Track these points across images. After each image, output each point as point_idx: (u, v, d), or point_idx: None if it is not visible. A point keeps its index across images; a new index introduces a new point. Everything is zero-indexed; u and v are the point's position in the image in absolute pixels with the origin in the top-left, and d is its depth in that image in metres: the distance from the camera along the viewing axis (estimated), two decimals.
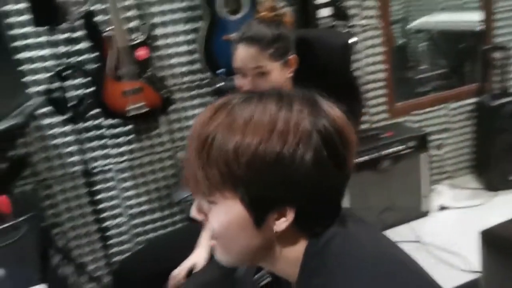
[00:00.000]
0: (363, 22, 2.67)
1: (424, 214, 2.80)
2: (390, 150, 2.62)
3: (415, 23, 4.36)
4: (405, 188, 2.72)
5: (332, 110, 0.74)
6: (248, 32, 1.46)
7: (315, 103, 0.73)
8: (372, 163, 2.59)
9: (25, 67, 2.18)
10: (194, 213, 0.80)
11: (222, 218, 0.75)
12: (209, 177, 0.72)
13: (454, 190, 3.08)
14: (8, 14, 2.10)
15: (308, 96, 0.75)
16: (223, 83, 1.91)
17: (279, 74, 1.48)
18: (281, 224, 0.73)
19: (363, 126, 2.88)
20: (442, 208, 2.85)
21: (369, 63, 2.80)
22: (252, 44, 1.44)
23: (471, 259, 2.29)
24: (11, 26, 2.12)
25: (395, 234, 2.66)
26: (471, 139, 3.16)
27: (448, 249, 2.44)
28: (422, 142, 2.71)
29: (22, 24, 2.12)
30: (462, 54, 3.76)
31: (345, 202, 2.43)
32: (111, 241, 2.48)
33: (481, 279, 1.93)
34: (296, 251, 0.76)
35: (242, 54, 1.46)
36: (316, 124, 0.70)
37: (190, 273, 1.50)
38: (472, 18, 3.51)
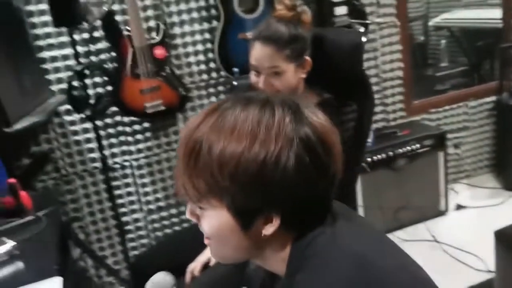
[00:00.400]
0: (380, 20, 2.66)
1: (441, 213, 2.79)
2: (406, 148, 2.61)
3: (436, 20, 4.31)
4: (422, 187, 2.71)
5: (315, 117, 0.75)
6: (266, 31, 1.46)
7: (297, 110, 0.75)
8: (388, 161, 2.59)
9: (48, 65, 2.24)
10: (188, 215, 0.83)
11: (212, 223, 0.78)
12: (195, 186, 0.74)
13: (472, 189, 3.05)
14: (31, 13, 2.17)
15: (290, 103, 0.76)
16: (237, 82, 1.94)
17: (293, 75, 1.48)
18: (269, 228, 0.75)
19: (380, 125, 2.87)
20: (459, 207, 2.83)
21: (386, 61, 2.79)
22: (269, 43, 1.44)
23: (487, 259, 2.28)
24: (34, 25, 2.18)
25: (410, 233, 2.66)
26: (490, 138, 3.12)
27: (464, 248, 2.42)
28: (439, 141, 2.69)
29: (44, 24, 2.19)
30: (483, 52, 3.71)
31: (359, 201, 2.43)
32: (129, 236, 2.54)
33: (495, 279, 1.92)
34: (285, 250, 0.78)
35: (258, 52, 1.47)
36: (298, 131, 0.72)
37: (205, 267, 1.53)
38: (494, 15, 3.46)
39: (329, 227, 0.77)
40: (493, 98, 3.06)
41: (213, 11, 2.40)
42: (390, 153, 2.58)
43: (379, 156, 2.56)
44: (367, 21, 2.52)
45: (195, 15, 2.39)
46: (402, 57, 2.81)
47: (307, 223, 0.77)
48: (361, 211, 2.57)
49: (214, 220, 0.77)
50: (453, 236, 2.55)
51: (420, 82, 3.83)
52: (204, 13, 2.40)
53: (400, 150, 2.59)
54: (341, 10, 2.46)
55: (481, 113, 3.08)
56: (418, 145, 2.63)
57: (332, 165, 0.75)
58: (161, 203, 2.58)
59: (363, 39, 1.40)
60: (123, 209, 2.50)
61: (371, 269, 0.70)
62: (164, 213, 2.59)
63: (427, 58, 4.53)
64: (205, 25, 2.41)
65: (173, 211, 2.60)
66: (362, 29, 2.43)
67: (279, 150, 0.70)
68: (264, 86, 1.48)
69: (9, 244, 1.29)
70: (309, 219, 0.77)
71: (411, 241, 2.57)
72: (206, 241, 0.83)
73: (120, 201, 2.48)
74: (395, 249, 0.80)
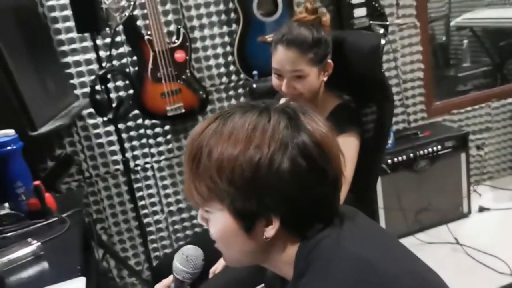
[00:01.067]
0: (400, 21, 2.65)
1: (463, 215, 2.75)
2: (428, 150, 2.58)
3: (458, 20, 4.25)
4: (444, 188, 2.67)
5: (314, 123, 0.77)
6: (289, 34, 1.45)
7: (294, 117, 0.77)
8: (409, 163, 2.57)
9: (72, 70, 2.30)
10: (199, 220, 0.86)
11: (217, 226, 0.81)
12: (199, 191, 0.78)
13: (495, 191, 3.00)
14: (55, 20, 2.22)
15: (288, 111, 0.78)
16: (256, 85, 1.95)
17: (316, 78, 1.49)
18: (270, 231, 0.77)
19: (400, 126, 2.85)
20: (482, 209, 2.79)
21: (406, 62, 2.77)
22: (293, 47, 1.44)
23: (511, 262, 2.25)
24: (59, 31, 2.24)
25: (432, 235, 2.63)
26: None
27: (487, 251, 2.38)
28: (462, 142, 2.66)
29: (68, 30, 2.24)
30: (506, 51, 3.65)
31: (380, 202, 2.41)
32: (151, 237, 2.57)
33: None
34: (290, 253, 0.80)
35: (282, 56, 1.46)
36: (293, 136, 0.74)
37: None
38: None
39: (335, 230, 0.78)
40: None
41: (232, 15, 2.42)
42: (411, 155, 2.55)
43: (399, 158, 2.54)
44: (387, 23, 2.50)
45: (214, 18, 2.41)
46: (422, 58, 2.79)
47: (310, 226, 0.78)
48: (381, 213, 2.55)
49: (218, 223, 0.80)
50: (476, 238, 2.51)
51: (442, 82, 3.79)
52: (223, 17, 2.42)
53: (421, 152, 2.57)
54: (360, 12, 2.46)
55: (504, 114, 3.03)
56: (439, 147, 2.60)
57: (331, 170, 0.77)
58: (182, 205, 2.61)
59: (383, 41, 1.39)
60: (145, 211, 2.54)
61: (374, 273, 0.71)
62: (185, 215, 2.62)
63: (449, 59, 4.47)
64: (225, 29, 2.44)
65: (194, 212, 2.62)
66: (381, 31, 2.42)
67: (273, 153, 0.73)
68: (286, 89, 1.49)
69: (34, 244, 1.33)
70: (311, 222, 0.78)
71: (433, 243, 2.54)
72: (216, 245, 0.86)
73: (141, 203, 2.52)
74: (403, 254, 0.80)
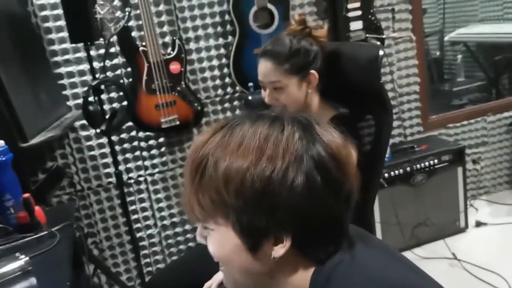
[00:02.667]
0: (396, 34, 2.64)
1: (460, 230, 2.73)
2: (424, 163, 2.56)
3: (452, 35, 4.28)
4: (441, 203, 2.65)
5: (329, 135, 0.72)
6: (268, 46, 1.49)
7: (308, 128, 0.72)
8: (406, 177, 2.55)
9: (65, 81, 2.26)
10: (198, 238, 0.81)
11: (217, 244, 0.75)
12: (201, 204, 0.72)
13: (491, 206, 2.98)
14: (49, 30, 2.19)
15: (301, 120, 0.73)
16: (251, 97, 1.93)
17: (297, 89, 1.48)
18: (279, 250, 0.71)
19: (397, 140, 2.83)
20: (479, 224, 2.76)
21: (402, 76, 2.77)
22: (269, 58, 1.47)
23: (510, 277, 2.21)
24: (52, 41, 2.21)
25: (429, 250, 2.60)
26: (509, 154, 3.06)
27: (485, 266, 2.35)
28: (458, 156, 2.64)
29: (61, 40, 2.22)
30: (500, 66, 3.67)
31: (376, 217, 2.37)
32: (143, 252, 2.52)
33: None
34: (301, 278, 0.74)
35: (261, 68, 1.50)
36: (308, 148, 0.69)
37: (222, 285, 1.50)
38: (511, 29, 3.42)
39: (347, 254, 0.73)
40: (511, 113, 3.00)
41: (228, 27, 2.41)
42: (408, 169, 2.53)
43: (396, 172, 2.52)
44: (383, 36, 2.51)
45: (210, 30, 2.40)
46: (418, 72, 2.79)
47: (322, 248, 0.73)
48: (378, 228, 2.52)
49: (220, 240, 0.74)
50: (473, 254, 2.48)
51: (437, 97, 3.80)
52: (219, 29, 2.40)
53: (418, 166, 2.55)
54: (356, 25, 2.46)
55: (500, 128, 3.02)
56: (436, 160, 2.58)
57: (346, 185, 0.72)
58: (176, 219, 2.56)
59: (381, 52, 1.37)
60: (137, 225, 2.49)
61: None
62: (178, 229, 2.57)
63: (443, 73, 4.49)
64: (221, 41, 2.42)
65: (188, 227, 2.58)
66: (378, 44, 2.42)
67: (287, 167, 0.67)
68: (269, 101, 1.52)
69: (22, 259, 1.28)
70: (324, 242, 0.73)
71: (431, 258, 2.51)
72: (221, 268, 0.80)
73: (134, 216, 2.47)
74: (419, 273, 0.76)
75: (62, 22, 2.18)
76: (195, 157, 0.72)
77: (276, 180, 0.67)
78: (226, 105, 2.50)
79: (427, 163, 2.57)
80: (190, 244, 2.60)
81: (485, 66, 4.01)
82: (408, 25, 2.70)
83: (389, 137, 1.49)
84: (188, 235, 2.59)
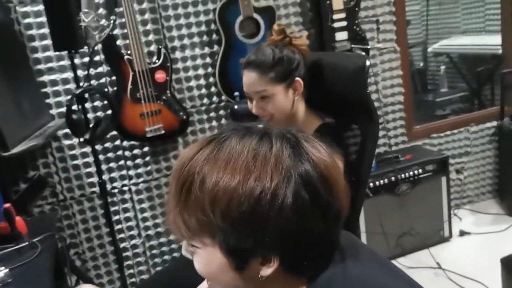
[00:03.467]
0: (380, 45, 2.67)
1: (444, 239, 2.74)
2: (409, 173, 2.58)
3: (435, 47, 4.35)
4: (425, 212, 2.66)
5: (317, 152, 0.71)
6: (251, 57, 1.50)
7: (297, 145, 0.70)
8: (391, 186, 2.56)
9: (48, 89, 2.23)
10: (183, 252, 0.79)
11: (203, 262, 0.73)
12: (187, 224, 0.70)
13: (475, 215, 3.01)
14: (32, 38, 2.17)
15: (290, 136, 0.71)
16: (237, 106, 1.93)
17: (283, 97, 1.49)
18: (267, 269, 0.70)
19: (382, 149, 2.85)
20: (463, 233, 2.78)
21: (387, 86, 2.79)
22: (253, 69, 1.47)
23: (493, 287, 2.23)
24: (35, 49, 2.18)
25: (414, 259, 2.61)
26: (492, 163, 3.10)
27: (469, 275, 2.37)
28: (442, 166, 2.66)
29: (45, 48, 2.19)
30: (482, 77, 3.73)
31: (361, 226, 2.37)
32: (127, 263, 2.48)
33: None
34: None
35: (246, 79, 1.51)
36: (296, 167, 0.67)
37: None
38: (493, 41, 3.48)
39: (339, 267, 0.72)
40: (494, 123, 3.04)
41: (214, 36, 2.41)
42: (393, 178, 2.55)
43: (381, 181, 2.53)
44: (368, 46, 2.53)
45: (196, 39, 2.39)
46: (402, 82, 2.81)
47: (312, 265, 0.72)
48: (363, 237, 2.52)
49: (205, 259, 0.72)
50: (457, 263, 2.49)
51: (421, 107, 3.84)
52: (205, 38, 2.40)
53: (403, 175, 2.56)
54: (342, 36, 2.48)
55: (483, 138, 3.06)
56: (420, 170, 2.60)
57: (335, 203, 0.70)
58: (160, 229, 2.53)
59: (368, 62, 1.38)
60: (121, 235, 2.46)
61: None
62: (163, 239, 2.54)
63: (427, 84, 4.55)
64: (206, 50, 2.42)
65: (172, 237, 2.55)
66: (364, 54, 2.44)
67: (275, 186, 0.65)
68: (256, 111, 1.51)
69: (2, 271, 1.25)
70: (314, 260, 0.71)
71: (415, 268, 2.51)
72: (207, 283, 0.79)
73: (118, 227, 2.44)
74: (411, 283, 0.75)
75: (45, 30, 2.15)
76: (180, 174, 0.70)
77: (264, 201, 0.65)
78: (212, 114, 2.49)
79: (411, 173, 2.59)
80: (175, 254, 2.57)
81: (467, 77, 4.07)
82: (392, 36, 2.73)
83: (375, 147, 1.49)
84: (173, 245, 2.56)
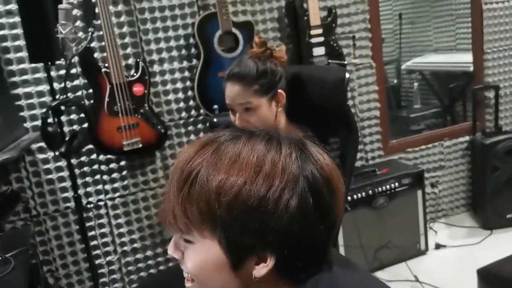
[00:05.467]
0: (357, 61, 2.72)
1: (421, 252, 2.77)
2: (386, 187, 2.61)
3: (408, 64, 4.45)
4: (402, 225, 2.69)
5: (321, 156, 0.72)
6: (234, 69, 1.51)
7: (304, 148, 0.72)
8: (368, 200, 2.58)
9: (23, 102, 2.19)
10: (170, 251, 0.77)
11: (198, 259, 0.72)
12: (187, 214, 0.69)
13: (450, 228, 3.05)
14: (7, 50, 2.13)
15: (297, 140, 0.73)
16: (217, 119, 1.92)
17: (267, 109, 1.50)
18: (261, 269, 0.70)
19: (358, 163, 2.88)
20: (439, 246, 2.82)
21: (363, 101, 2.83)
22: (237, 81, 1.48)
23: None
24: (10, 61, 2.14)
25: (392, 273, 2.62)
26: (465, 177, 3.16)
27: None
28: (418, 179, 2.70)
29: (20, 60, 2.15)
30: (454, 94, 3.82)
31: (340, 240, 2.38)
32: (102, 280, 2.42)
33: None
34: None
35: (229, 91, 1.51)
36: (303, 169, 0.69)
37: None
38: (463, 59, 3.59)
39: (326, 272, 0.73)
40: (467, 138, 3.12)
41: (193, 50, 2.41)
42: (370, 192, 2.57)
43: (359, 195, 2.55)
44: (345, 62, 2.57)
45: (174, 53, 2.39)
46: (378, 97, 2.86)
47: (305, 268, 0.72)
48: (342, 251, 2.52)
49: (200, 255, 0.71)
50: (434, 275, 2.52)
51: (395, 123, 3.91)
52: (183, 52, 2.40)
53: (380, 189, 2.59)
54: (319, 51, 2.51)
55: (456, 153, 3.13)
56: (397, 184, 2.63)
57: (334, 209, 0.72)
58: (137, 245, 2.48)
59: (347, 74, 1.41)
60: (96, 251, 2.40)
61: None
62: (139, 255, 2.49)
63: (400, 100, 4.64)
64: (185, 63, 2.41)
65: (149, 253, 2.50)
66: (343, 67, 2.47)
67: (283, 187, 0.67)
68: (240, 124, 1.52)
69: None
70: (307, 264, 0.72)
71: (393, 281, 2.53)
72: (187, 284, 0.77)
73: (93, 243, 2.38)
74: None
75: (21, 42, 2.12)
76: (184, 166, 0.70)
77: (272, 199, 0.66)
78: (190, 128, 2.48)
79: (388, 186, 2.62)
80: (152, 270, 2.52)
81: (440, 94, 4.17)
82: (368, 52, 2.78)
83: (355, 159, 1.51)
84: (150, 261, 2.51)
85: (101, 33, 2.13)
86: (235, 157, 0.68)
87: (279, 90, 1.49)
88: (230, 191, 0.66)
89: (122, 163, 2.39)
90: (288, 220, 0.67)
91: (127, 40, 2.30)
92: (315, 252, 0.72)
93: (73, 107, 2.24)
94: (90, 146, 2.27)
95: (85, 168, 2.33)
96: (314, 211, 0.68)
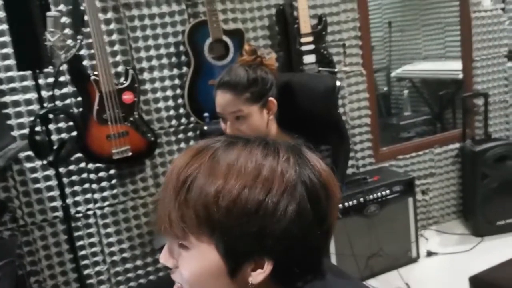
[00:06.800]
0: (347, 68, 2.72)
1: (412, 260, 2.76)
2: (377, 194, 2.61)
3: (398, 71, 4.47)
4: (393, 233, 2.69)
5: (318, 162, 0.73)
6: (225, 78, 1.50)
7: (301, 154, 0.72)
8: (359, 207, 2.57)
9: (10, 110, 2.16)
10: (163, 259, 0.75)
11: (194, 265, 0.71)
12: (184, 219, 0.68)
13: (441, 236, 3.05)
14: None
15: (294, 146, 0.73)
16: (207, 127, 1.91)
17: (259, 117, 1.49)
18: (257, 276, 0.69)
19: (349, 171, 2.87)
20: (430, 254, 2.82)
21: (354, 109, 2.83)
22: (228, 89, 1.47)
23: None
24: None
25: (384, 281, 2.61)
26: (456, 184, 3.17)
27: None
28: (409, 187, 2.70)
29: (7, 68, 2.13)
30: (444, 101, 3.85)
31: (331, 248, 2.37)
32: None
33: None
34: None
35: (220, 99, 1.50)
36: (301, 174, 0.69)
37: None
38: (452, 66, 3.62)
39: (320, 280, 0.73)
40: (457, 145, 3.13)
41: (183, 57, 2.40)
42: (361, 199, 2.56)
43: (350, 202, 2.54)
44: (335, 70, 2.57)
45: (164, 61, 2.37)
46: (369, 105, 2.87)
47: (299, 275, 0.72)
48: (333, 259, 2.51)
49: (196, 262, 0.70)
50: (426, 283, 2.52)
51: (385, 130, 3.91)
52: (174, 59, 2.39)
53: (371, 196, 2.58)
54: (309, 59, 2.51)
55: (447, 160, 3.14)
56: (388, 191, 2.63)
57: (330, 215, 0.72)
58: (126, 254, 2.45)
59: (338, 82, 1.40)
60: (85, 262, 2.36)
61: None
62: (129, 265, 2.46)
63: (390, 108, 4.66)
64: (175, 71, 2.40)
65: (139, 262, 2.47)
66: (334, 75, 2.47)
67: (282, 191, 0.67)
68: (231, 132, 1.51)
69: None
70: (303, 270, 0.72)
71: None
72: None
73: (82, 252, 2.35)
74: None
75: (8, 50, 2.10)
76: (181, 172, 0.69)
77: (270, 203, 0.66)
78: (180, 136, 2.46)
79: (379, 194, 2.61)
80: (141, 281, 2.48)
81: (429, 101, 4.20)
82: (358, 60, 2.79)
83: (347, 167, 1.50)
84: (140, 271, 2.48)
85: (90, 40, 2.11)
86: (233, 163, 0.68)
87: (270, 98, 1.48)
88: (229, 195, 0.66)
89: (112, 171, 2.36)
90: (286, 225, 0.66)
91: (116, 47, 2.29)
92: (311, 258, 0.72)
93: (62, 115, 2.21)
94: (79, 154, 2.24)
95: (74, 177, 2.30)
96: (312, 217, 0.69)
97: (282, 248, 0.68)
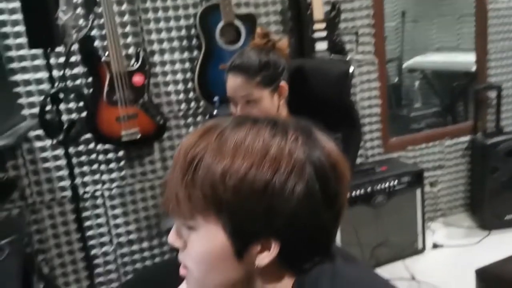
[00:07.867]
0: (359, 57, 2.70)
1: (418, 251, 2.76)
2: (385, 185, 2.59)
3: (409, 63, 4.43)
4: (400, 224, 2.68)
5: (327, 143, 0.72)
6: (236, 61, 1.49)
7: (310, 134, 0.71)
8: (366, 197, 2.56)
9: (21, 89, 2.16)
10: (171, 239, 0.75)
11: (201, 246, 0.70)
12: (191, 199, 0.68)
13: (448, 228, 3.04)
14: (6, 35, 2.10)
15: (303, 126, 0.72)
16: (217, 111, 1.90)
17: (270, 101, 1.48)
18: (264, 258, 0.69)
19: (358, 160, 2.86)
20: (436, 246, 2.81)
21: (364, 98, 2.81)
22: (240, 73, 1.46)
23: None
24: (8, 47, 2.11)
25: (389, 271, 2.60)
26: (465, 177, 3.15)
27: (441, 287, 2.38)
28: (417, 178, 2.69)
29: (19, 46, 2.12)
30: (456, 93, 3.80)
31: (337, 237, 2.36)
32: (97, 270, 2.40)
33: None
34: (281, 287, 0.72)
35: (231, 83, 1.49)
36: (310, 154, 0.68)
37: None
38: (465, 59, 3.57)
39: (329, 264, 0.72)
40: (467, 137, 3.10)
41: (194, 41, 2.38)
42: (369, 189, 2.55)
43: (357, 192, 2.53)
44: (347, 58, 2.54)
45: (175, 44, 2.36)
46: (379, 94, 2.84)
47: (307, 258, 0.71)
48: None
49: (203, 242, 0.70)
50: (431, 275, 2.51)
51: (395, 122, 3.89)
52: (185, 43, 2.37)
53: (379, 186, 2.57)
54: (321, 46, 2.49)
55: (457, 152, 3.11)
56: (396, 182, 2.61)
57: (340, 196, 0.71)
58: (133, 236, 2.46)
59: (351, 68, 1.39)
60: (92, 242, 2.38)
61: None
62: (135, 247, 2.47)
63: (401, 99, 4.62)
64: (186, 55, 2.39)
65: (145, 244, 2.48)
66: (347, 60, 2.45)
67: (290, 171, 0.66)
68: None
69: None
70: (311, 253, 0.71)
71: (390, 279, 2.51)
72: (182, 271, 0.75)
73: (89, 233, 2.36)
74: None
75: (20, 28, 2.09)
76: (188, 151, 0.68)
77: (278, 183, 0.65)
78: (190, 120, 2.45)
79: (387, 184, 2.60)
80: (147, 262, 2.50)
81: (441, 93, 4.15)
82: (370, 49, 2.76)
83: (357, 155, 1.49)
84: (145, 253, 2.49)
85: (102, 21, 2.10)
86: (240, 142, 0.67)
87: (282, 83, 1.47)
88: (236, 174, 0.65)
89: (120, 153, 2.37)
90: (294, 205, 0.66)
91: (128, 29, 2.28)
92: (320, 241, 0.71)
93: (72, 96, 2.22)
94: (88, 135, 2.25)
95: (83, 158, 2.31)
96: (320, 197, 0.67)
97: (290, 229, 0.67)
